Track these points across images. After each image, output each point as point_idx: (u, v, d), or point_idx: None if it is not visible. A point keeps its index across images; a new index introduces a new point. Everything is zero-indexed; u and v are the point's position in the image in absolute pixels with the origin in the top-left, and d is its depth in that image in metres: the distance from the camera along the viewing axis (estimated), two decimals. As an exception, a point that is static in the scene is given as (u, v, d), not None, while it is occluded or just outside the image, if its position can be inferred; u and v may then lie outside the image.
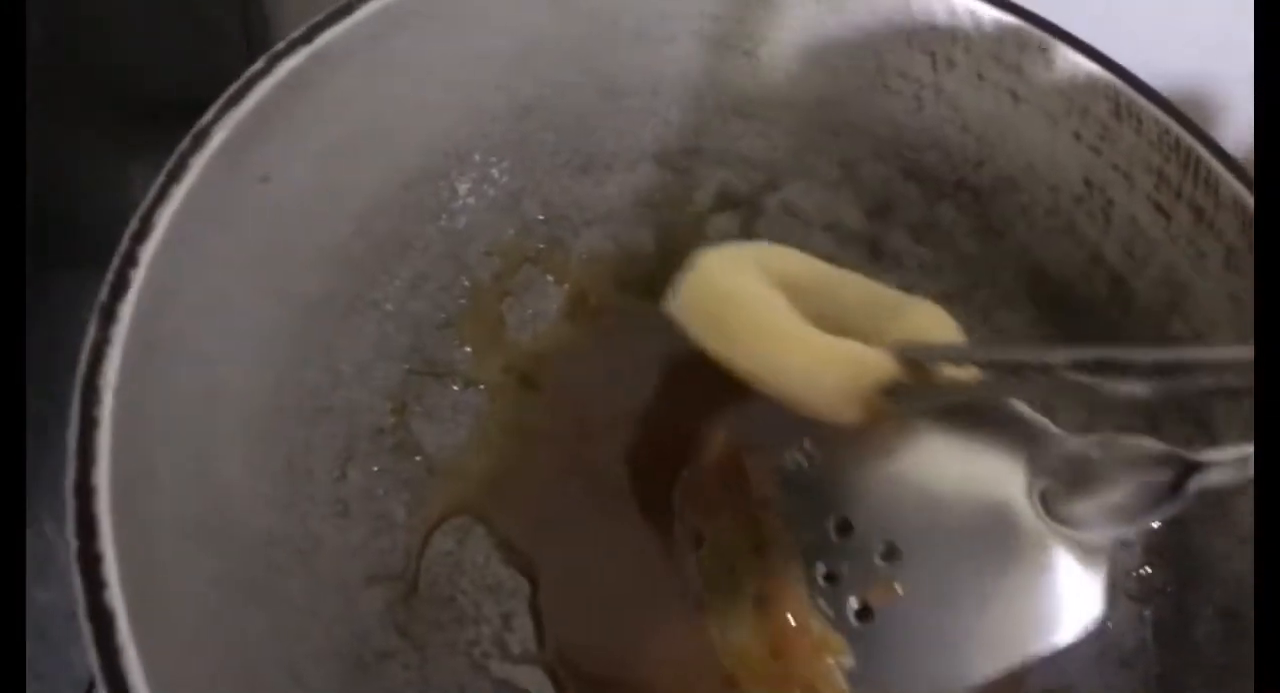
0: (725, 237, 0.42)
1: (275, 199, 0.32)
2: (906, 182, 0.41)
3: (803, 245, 0.42)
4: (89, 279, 0.38)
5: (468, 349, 0.37)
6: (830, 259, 0.42)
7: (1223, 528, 0.35)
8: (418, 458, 0.35)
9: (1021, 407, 0.30)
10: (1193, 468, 0.26)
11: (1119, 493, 0.28)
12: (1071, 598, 0.28)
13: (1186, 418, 0.37)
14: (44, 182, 0.36)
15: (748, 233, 0.42)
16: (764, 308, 0.32)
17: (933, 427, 0.31)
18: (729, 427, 0.35)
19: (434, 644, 0.32)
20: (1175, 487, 0.27)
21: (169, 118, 0.41)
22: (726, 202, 0.42)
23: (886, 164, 0.41)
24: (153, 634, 0.25)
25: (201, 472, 0.29)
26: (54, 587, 0.36)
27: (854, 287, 0.36)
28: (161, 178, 0.30)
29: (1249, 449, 0.26)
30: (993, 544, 0.29)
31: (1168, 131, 0.37)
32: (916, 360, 0.31)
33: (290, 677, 0.29)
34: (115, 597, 0.24)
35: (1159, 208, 0.37)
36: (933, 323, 0.34)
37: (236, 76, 0.32)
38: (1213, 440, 0.36)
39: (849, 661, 0.30)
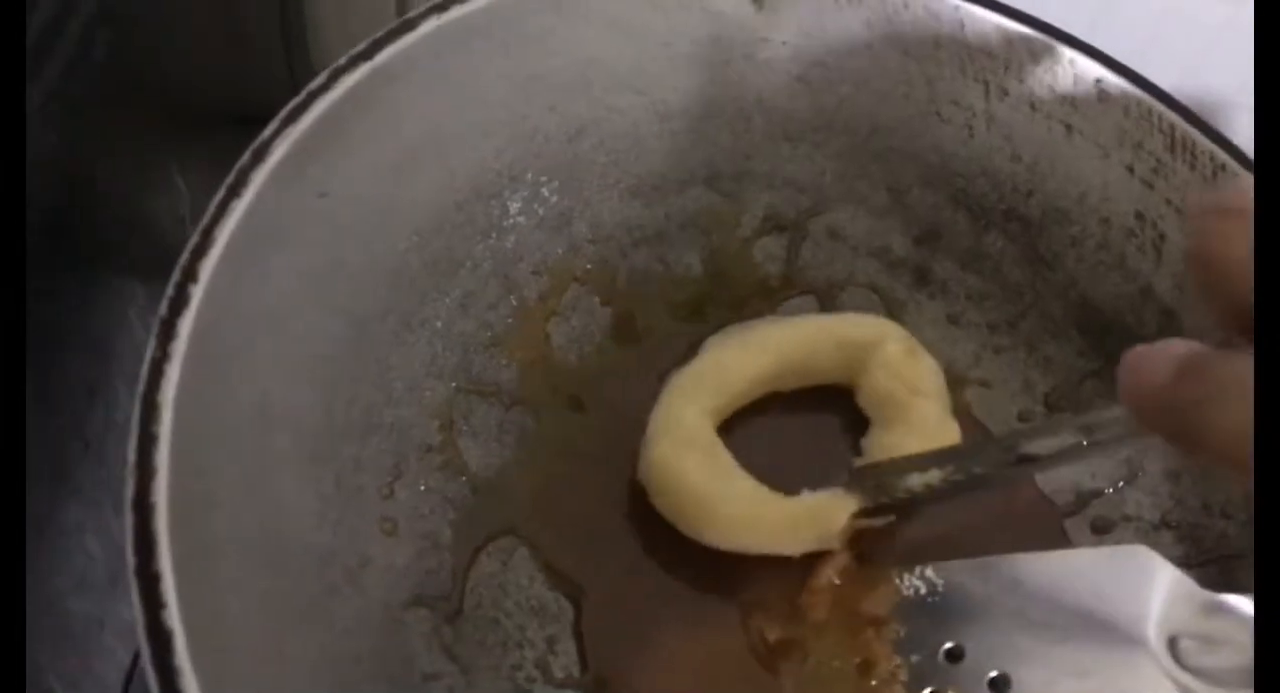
0: (772, 260, 0.42)
1: (332, 215, 0.32)
2: (955, 209, 0.41)
3: (848, 271, 0.42)
4: (134, 286, 0.39)
5: (514, 368, 0.37)
6: (876, 286, 0.42)
7: None
8: (463, 477, 0.35)
9: (1157, 555, 0.30)
10: None
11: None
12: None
13: None
14: (91, 189, 0.36)
15: (794, 257, 0.42)
16: (717, 496, 0.34)
17: (1058, 566, 0.32)
18: (849, 545, 0.35)
19: (479, 668, 0.32)
20: None
21: (211, 128, 0.41)
22: (773, 225, 0.42)
23: (935, 191, 0.41)
24: (209, 654, 0.24)
25: (256, 489, 0.29)
26: (90, 598, 0.36)
27: (813, 338, 0.38)
28: (222, 193, 0.30)
29: None
30: (1112, 684, 0.29)
31: (1224, 167, 0.37)
32: (875, 481, 0.34)
33: (337, 698, 0.29)
34: (174, 617, 0.24)
35: (1212, 243, 0.36)
36: (900, 353, 0.37)
37: (277, 90, 0.32)
38: None
39: None
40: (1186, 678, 0.28)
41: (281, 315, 0.31)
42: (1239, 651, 0.28)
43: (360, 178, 0.33)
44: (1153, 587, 0.29)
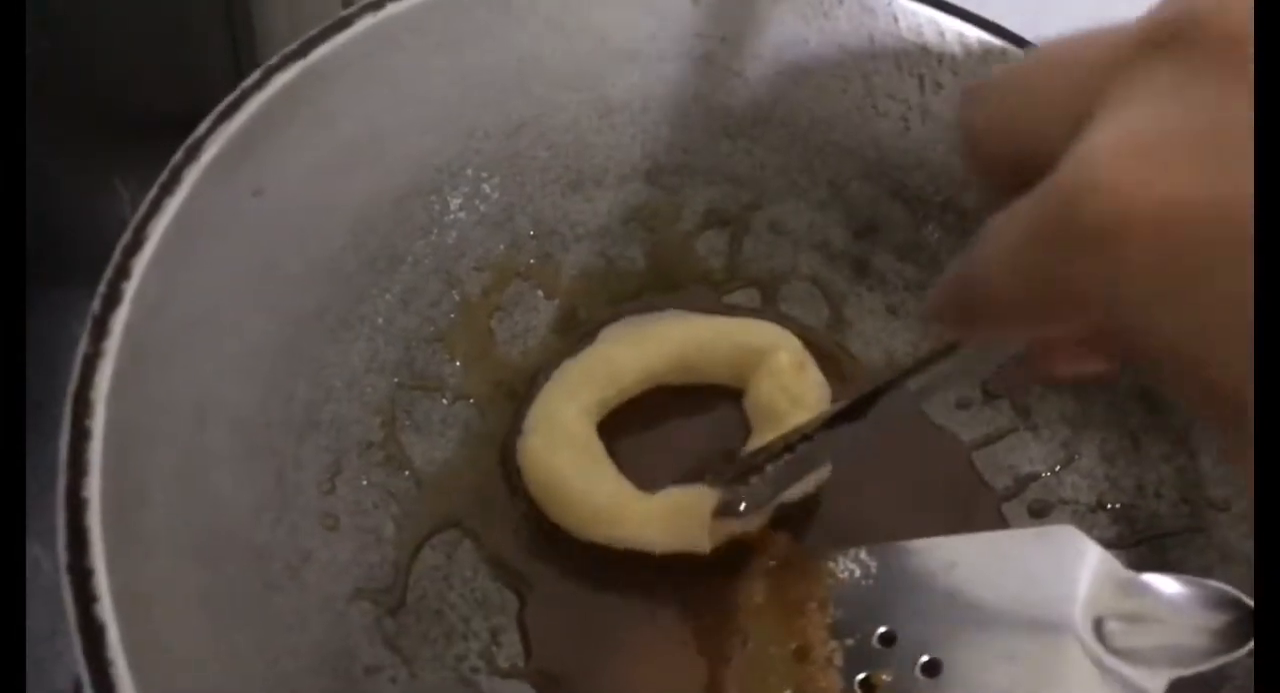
0: (714, 254, 0.42)
1: (268, 212, 0.32)
2: (894, 202, 0.42)
3: (790, 264, 0.42)
4: (76, 295, 0.38)
5: (457, 363, 0.37)
6: (817, 278, 0.42)
7: None
8: (406, 472, 0.35)
9: (1084, 536, 0.31)
10: None
11: (1181, 633, 0.28)
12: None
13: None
14: (32, 197, 0.36)
15: (736, 250, 0.42)
16: (580, 491, 0.34)
17: (989, 547, 0.32)
18: (789, 530, 0.35)
19: (422, 658, 0.32)
20: (1240, 633, 0.27)
21: (156, 133, 0.41)
22: (715, 219, 0.42)
23: (874, 184, 0.41)
24: (143, 648, 0.25)
25: (192, 485, 0.29)
26: (37, 604, 0.36)
27: (708, 339, 0.38)
28: (154, 191, 0.30)
29: None
30: (1039, 668, 0.29)
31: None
32: (734, 473, 0.34)
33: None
34: (106, 610, 0.24)
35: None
36: (789, 364, 0.37)
37: (224, 93, 0.32)
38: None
39: None
40: (1110, 659, 0.28)
41: (217, 312, 0.31)
42: (1161, 630, 0.28)
43: (296, 175, 0.33)
44: (1080, 568, 0.30)
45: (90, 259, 0.38)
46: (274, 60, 0.33)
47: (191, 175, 0.30)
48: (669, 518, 0.34)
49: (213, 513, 0.29)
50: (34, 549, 0.35)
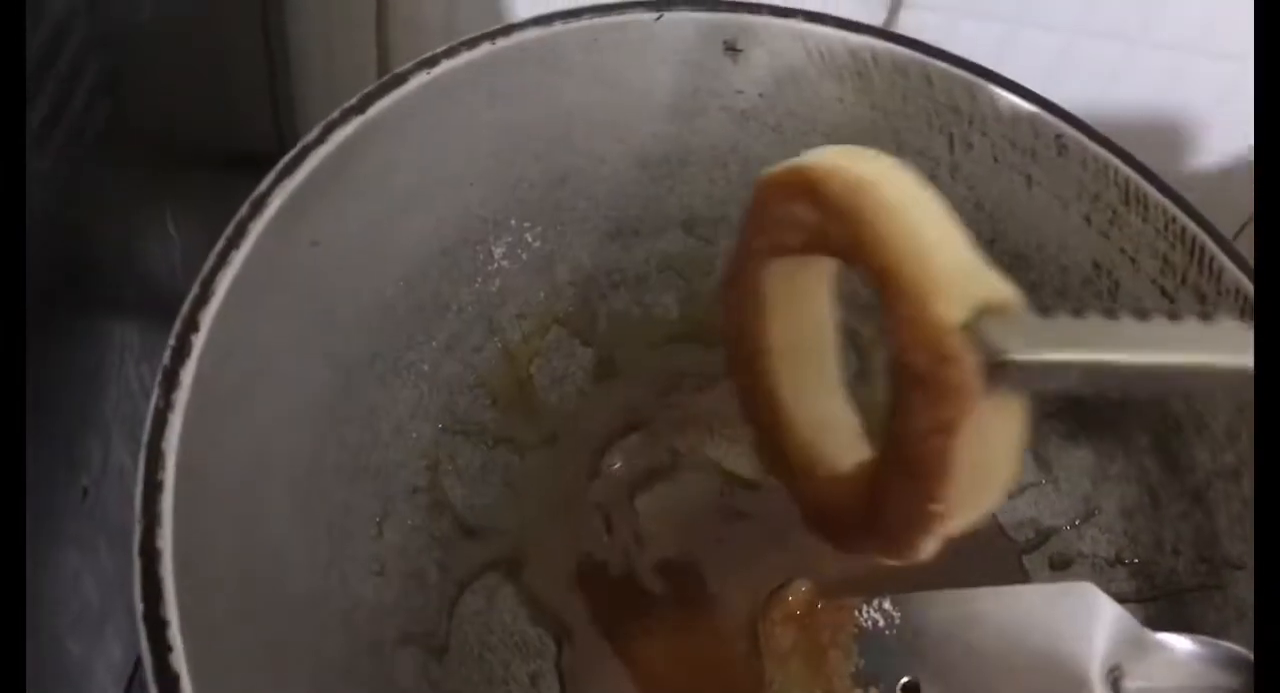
0: (744, 302, 0.43)
1: (324, 263, 0.33)
2: (920, 255, 0.43)
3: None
4: (129, 333, 0.39)
5: (498, 409, 0.38)
6: (845, 328, 0.43)
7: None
8: (449, 516, 0.36)
9: (1102, 594, 0.32)
10: None
11: (1192, 691, 0.30)
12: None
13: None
14: (89, 244, 0.37)
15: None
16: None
17: (1011, 602, 0.33)
18: (813, 574, 0.36)
19: (465, 703, 0.33)
20: None
21: (201, 180, 0.42)
22: (746, 268, 0.43)
23: (902, 237, 0.43)
24: (213, 698, 0.25)
25: (252, 533, 0.30)
26: (85, 640, 0.37)
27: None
28: (221, 244, 0.31)
29: None
30: None
31: (1174, 220, 0.38)
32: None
33: (329, 735, 0.30)
34: (180, 660, 0.25)
35: (1164, 292, 0.38)
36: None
37: (262, 142, 0.33)
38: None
39: None
40: None
41: (275, 362, 0.32)
42: (1173, 686, 0.29)
43: (351, 226, 0.34)
44: (1098, 625, 0.31)
45: (142, 298, 0.39)
46: (334, 115, 0.34)
47: (256, 229, 0.31)
48: (966, 255, 0.26)
49: (272, 560, 0.30)
50: (88, 588, 0.35)
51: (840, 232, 0.26)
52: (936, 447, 0.24)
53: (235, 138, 0.43)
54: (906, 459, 0.25)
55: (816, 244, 0.28)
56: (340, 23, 0.50)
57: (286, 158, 0.33)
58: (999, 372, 0.23)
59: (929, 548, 0.27)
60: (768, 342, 0.31)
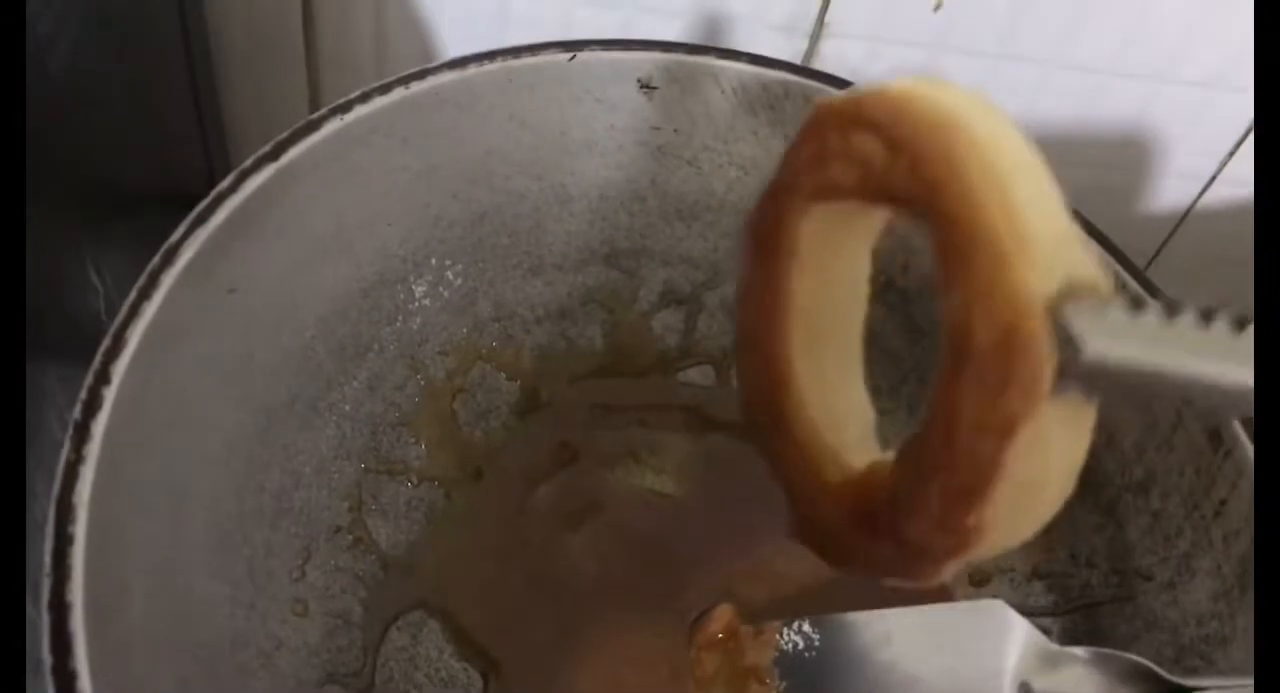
0: (670, 332, 0.44)
1: (241, 309, 0.34)
2: (838, 282, 0.43)
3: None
4: (51, 382, 0.39)
5: (422, 447, 0.39)
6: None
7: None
8: (373, 556, 0.36)
9: (1012, 611, 0.32)
10: (1174, 691, 0.29)
11: None
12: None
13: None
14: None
15: (691, 328, 0.44)
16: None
17: (924, 621, 0.33)
18: (733, 597, 0.36)
19: (391, 741, 0.33)
20: None
21: (128, 224, 0.42)
22: (670, 298, 0.44)
23: (820, 265, 0.43)
24: (125, 746, 0.26)
25: (169, 580, 0.30)
26: None
27: None
28: (133, 295, 0.31)
29: (1232, 683, 0.29)
30: None
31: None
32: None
33: (252, 778, 0.30)
34: (89, 712, 0.25)
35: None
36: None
37: (194, 177, 0.33)
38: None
39: None
40: None
41: (192, 409, 0.32)
42: (1083, 701, 0.30)
43: (268, 272, 0.35)
44: (1007, 641, 0.32)
45: (63, 347, 0.39)
46: (248, 163, 0.34)
47: (168, 279, 0.31)
48: (1060, 221, 0.22)
49: (189, 605, 0.30)
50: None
51: (911, 173, 0.22)
52: (986, 449, 0.20)
53: (166, 181, 0.43)
54: (946, 461, 0.21)
55: (875, 188, 0.23)
56: (270, 64, 0.50)
57: (200, 207, 0.33)
58: (1074, 367, 0.20)
59: (947, 572, 0.23)
60: (790, 300, 0.27)
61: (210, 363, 0.33)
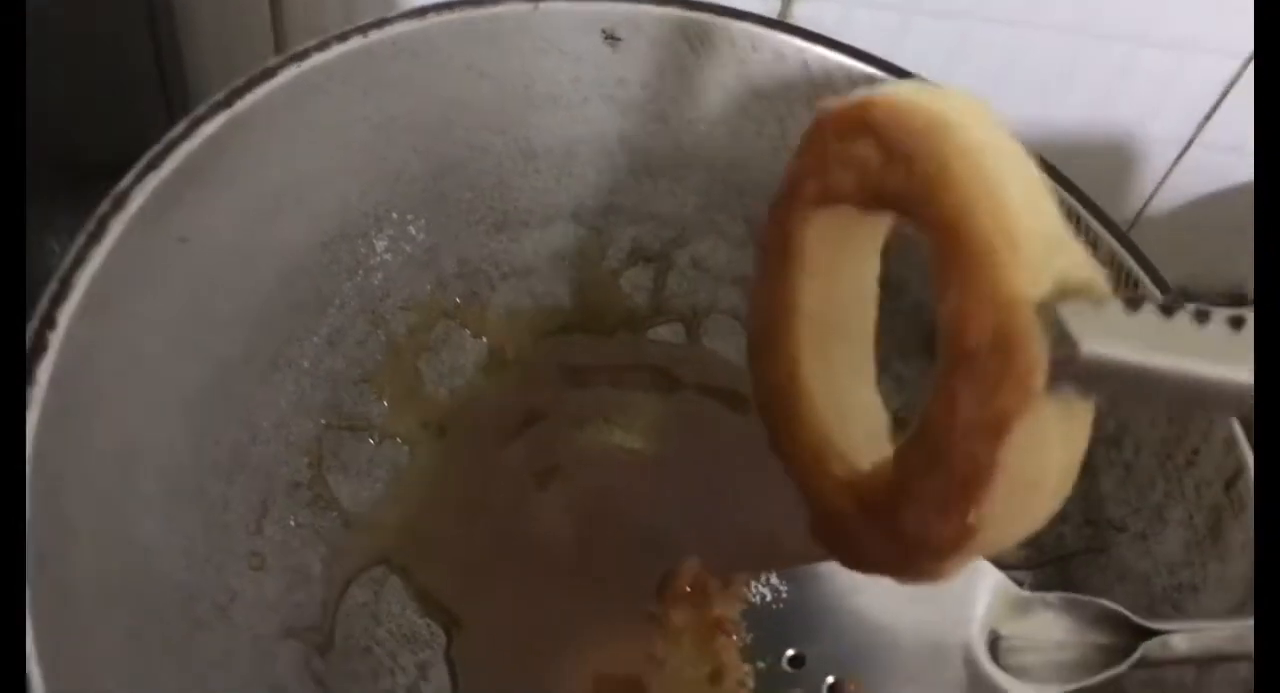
0: (639, 290, 0.43)
1: (195, 260, 0.33)
2: (809, 239, 0.43)
3: (712, 299, 0.44)
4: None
5: (384, 403, 0.38)
6: (738, 312, 0.44)
7: None
8: (334, 512, 0.36)
9: (981, 558, 0.31)
10: (1145, 635, 0.29)
11: (1067, 650, 0.30)
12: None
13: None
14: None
15: (660, 287, 0.43)
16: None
17: None
18: (702, 552, 0.36)
19: (350, 695, 0.33)
20: (1123, 650, 0.29)
21: (87, 181, 0.42)
22: (639, 257, 0.43)
23: (790, 222, 0.43)
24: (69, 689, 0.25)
25: (119, 530, 0.29)
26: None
27: None
28: (80, 240, 0.30)
29: (1203, 625, 0.29)
30: (937, 685, 0.31)
31: (1060, 202, 0.39)
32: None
33: (208, 732, 0.29)
34: (31, 659, 0.25)
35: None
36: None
37: (156, 139, 0.33)
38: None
39: None
40: (1002, 676, 0.30)
41: (144, 359, 0.31)
42: (1051, 647, 0.30)
43: (222, 223, 0.34)
44: (978, 589, 0.31)
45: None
46: (200, 110, 0.34)
47: (117, 226, 0.31)
48: (1052, 221, 0.23)
49: (140, 556, 0.30)
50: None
51: (906, 177, 0.23)
52: (981, 448, 0.21)
53: (127, 142, 0.42)
54: (942, 460, 0.22)
55: (872, 192, 0.24)
56: (234, 19, 0.49)
57: (150, 153, 0.32)
58: (1069, 366, 0.20)
59: (951, 569, 0.23)
60: (798, 303, 0.28)
61: (163, 314, 0.32)
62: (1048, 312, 0.20)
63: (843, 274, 0.28)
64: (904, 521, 0.23)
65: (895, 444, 0.25)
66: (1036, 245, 0.21)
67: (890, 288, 0.42)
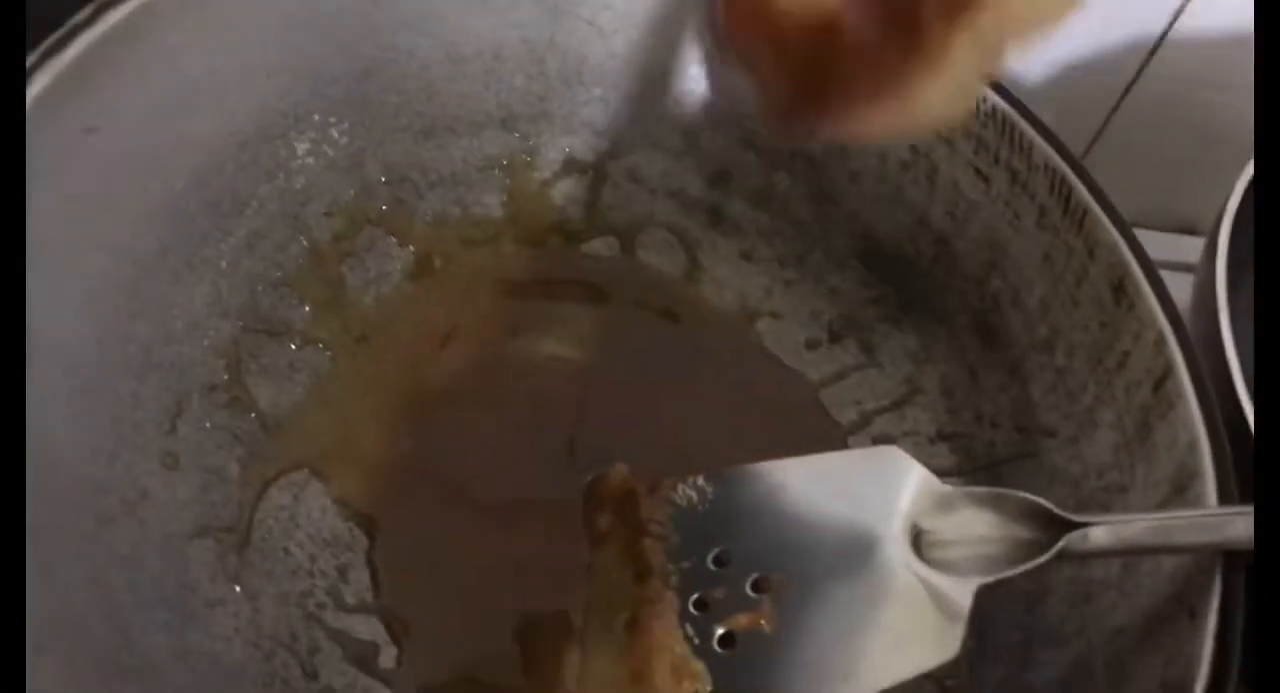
0: (573, 202, 0.43)
1: (103, 151, 0.32)
2: (745, 150, 0.42)
3: (647, 212, 0.43)
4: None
5: (306, 308, 0.37)
6: (674, 226, 0.43)
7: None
8: (252, 415, 0.35)
9: (906, 455, 0.32)
10: (1068, 527, 0.28)
11: (990, 544, 0.30)
12: (931, 637, 0.29)
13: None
14: None
15: (594, 199, 0.43)
16: None
17: (819, 469, 0.33)
18: (629, 459, 0.36)
19: (266, 594, 0.32)
20: (1045, 544, 0.28)
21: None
22: (573, 168, 0.43)
23: (725, 133, 0.42)
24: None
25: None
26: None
27: None
28: (-23, 125, 0.29)
29: (1126, 518, 0.29)
30: (860, 580, 0.30)
31: (985, 99, 0.39)
32: None
33: (115, 626, 0.29)
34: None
35: (979, 172, 0.39)
36: None
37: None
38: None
39: (707, 687, 0.31)
40: (924, 569, 0.30)
41: (47, 250, 0.30)
42: (973, 541, 0.30)
43: (133, 114, 0.33)
44: (902, 485, 0.31)
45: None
46: (106, -4, 0.32)
47: (16, 109, 0.30)
48: None
49: (44, 447, 0.29)
50: None
51: None
52: None
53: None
54: None
55: None
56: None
57: (52, 38, 0.31)
58: None
59: (953, 63, 0.19)
60: None
61: (68, 205, 0.31)
62: None
63: None
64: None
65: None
66: None
67: (827, 199, 0.42)
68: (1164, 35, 0.51)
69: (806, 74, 0.24)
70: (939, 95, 0.21)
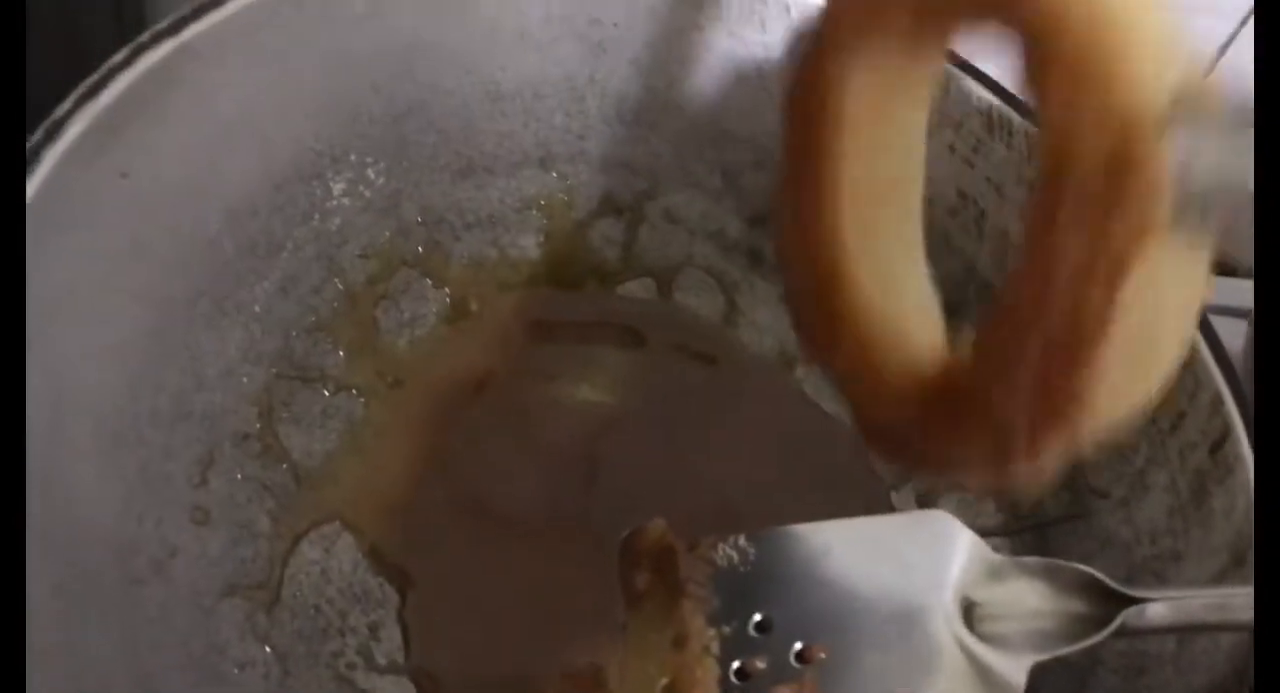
0: (609, 244, 0.42)
1: (136, 195, 0.31)
2: (787, 191, 0.41)
3: (685, 253, 0.42)
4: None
5: (340, 353, 0.36)
6: (712, 268, 0.42)
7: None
8: (284, 465, 0.34)
9: (956, 520, 0.30)
10: (1124, 603, 0.27)
11: (1043, 618, 0.28)
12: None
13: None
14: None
15: (631, 240, 0.42)
16: None
17: (865, 532, 0.32)
18: (668, 513, 0.34)
19: (296, 655, 0.31)
20: (1101, 619, 0.27)
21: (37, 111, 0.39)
22: (610, 207, 0.42)
23: (767, 174, 0.41)
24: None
25: (49, 480, 0.28)
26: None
27: None
28: (10, 170, 0.29)
29: (1184, 593, 0.28)
30: (909, 653, 0.29)
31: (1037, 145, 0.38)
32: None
33: (144, 690, 0.28)
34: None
35: (1029, 221, 0.38)
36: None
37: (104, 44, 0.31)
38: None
39: None
40: (976, 644, 0.29)
41: (79, 299, 0.30)
42: (1026, 615, 0.29)
43: (167, 157, 0.32)
44: (952, 553, 0.30)
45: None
46: (144, 38, 0.32)
47: (51, 156, 0.29)
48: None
49: (71, 506, 0.28)
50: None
51: None
52: (1091, 295, 0.17)
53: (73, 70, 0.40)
54: (1042, 317, 0.18)
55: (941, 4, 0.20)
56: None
57: (89, 80, 0.31)
58: (1189, 193, 0.16)
59: (1046, 460, 0.20)
60: (839, 170, 0.24)
61: (100, 252, 0.30)
62: (1167, 125, 0.16)
63: (889, 133, 0.24)
64: (993, 400, 0.20)
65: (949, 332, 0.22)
66: (1161, 42, 0.17)
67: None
68: (1211, 67, 0.50)
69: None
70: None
